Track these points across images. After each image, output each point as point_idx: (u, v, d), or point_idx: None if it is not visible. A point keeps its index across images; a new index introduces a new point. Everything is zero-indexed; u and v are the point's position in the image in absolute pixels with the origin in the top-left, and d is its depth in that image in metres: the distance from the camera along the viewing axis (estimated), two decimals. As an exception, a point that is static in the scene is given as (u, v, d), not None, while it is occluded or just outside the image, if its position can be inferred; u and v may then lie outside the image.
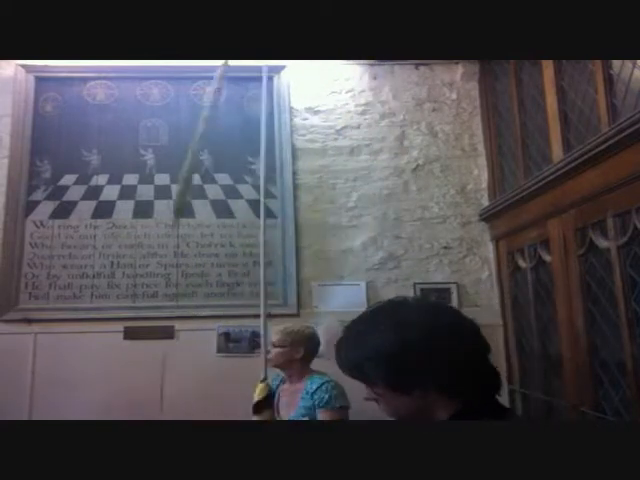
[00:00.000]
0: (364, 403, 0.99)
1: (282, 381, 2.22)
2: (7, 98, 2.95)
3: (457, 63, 3.17)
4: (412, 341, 0.88)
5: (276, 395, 2.19)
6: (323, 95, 3.11)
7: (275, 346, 2.14)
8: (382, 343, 0.90)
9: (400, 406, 0.91)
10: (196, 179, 2.97)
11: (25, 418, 2.61)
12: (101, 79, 3.06)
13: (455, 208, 3.01)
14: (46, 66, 2.97)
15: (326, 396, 2.00)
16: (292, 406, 2.06)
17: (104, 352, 2.72)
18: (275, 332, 2.19)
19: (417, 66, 3.17)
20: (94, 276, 2.83)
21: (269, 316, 2.75)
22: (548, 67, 2.36)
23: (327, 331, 2.67)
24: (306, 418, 2.00)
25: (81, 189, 2.92)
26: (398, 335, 0.89)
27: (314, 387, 2.03)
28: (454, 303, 2.81)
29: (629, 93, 1.86)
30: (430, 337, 0.89)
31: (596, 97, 2.02)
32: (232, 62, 2.72)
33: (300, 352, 2.12)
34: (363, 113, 3.10)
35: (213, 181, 2.97)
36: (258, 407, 2.15)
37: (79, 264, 2.83)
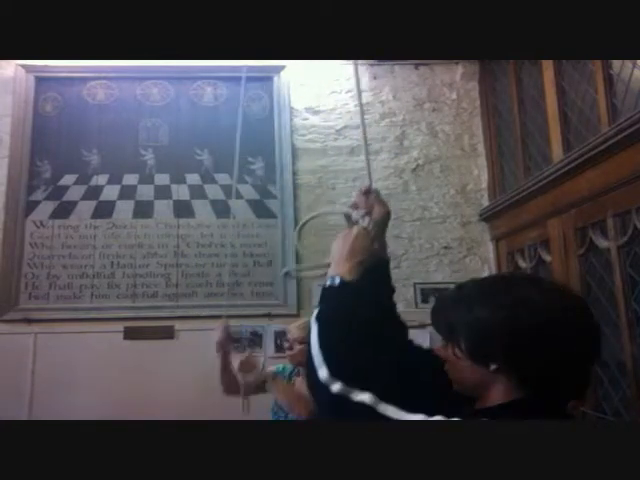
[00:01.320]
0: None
1: (294, 373, 2.20)
2: (7, 98, 2.96)
3: (457, 63, 3.17)
4: (521, 323, 0.84)
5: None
6: (323, 95, 3.11)
7: (299, 343, 2.11)
8: (490, 315, 0.86)
9: (469, 374, 0.89)
10: (196, 179, 2.98)
11: (25, 418, 2.61)
12: (101, 79, 3.06)
13: (455, 208, 3.01)
14: (46, 66, 2.97)
15: None
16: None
17: (104, 352, 2.72)
18: (294, 329, 2.17)
19: (417, 66, 3.17)
20: (94, 276, 2.83)
21: (269, 316, 2.76)
22: (548, 67, 2.36)
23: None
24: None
25: (81, 189, 2.92)
26: (510, 312, 0.85)
27: None
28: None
29: (629, 93, 1.86)
30: (542, 326, 0.84)
31: (596, 97, 2.02)
32: (232, 62, 2.72)
33: None
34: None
35: (213, 181, 2.98)
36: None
37: (79, 264, 2.83)
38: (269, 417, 2.14)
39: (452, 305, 0.94)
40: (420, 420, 0.83)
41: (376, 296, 1.09)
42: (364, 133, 1.68)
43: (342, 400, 0.87)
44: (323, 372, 0.89)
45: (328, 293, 1.06)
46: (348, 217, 1.28)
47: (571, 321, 0.87)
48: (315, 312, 1.01)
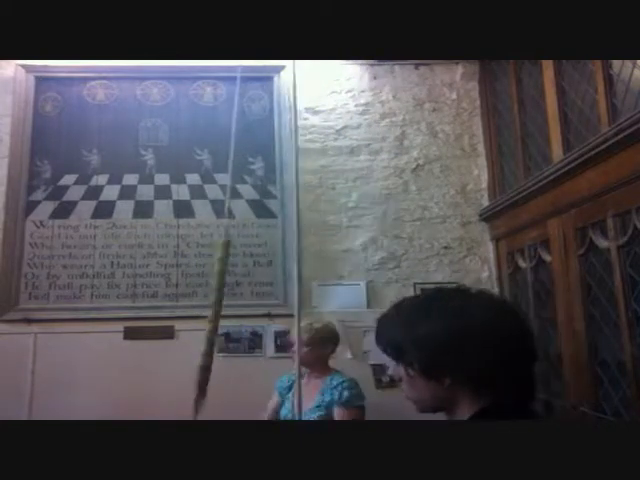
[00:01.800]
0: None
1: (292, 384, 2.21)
2: (7, 98, 2.95)
3: (457, 63, 3.17)
4: (461, 332, 0.87)
5: (291, 391, 2.17)
6: (323, 95, 3.11)
7: (306, 345, 2.10)
8: (431, 330, 0.88)
9: (426, 391, 0.91)
10: (196, 179, 2.98)
11: (25, 418, 2.61)
12: (101, 79, 3.06)
13: (455, 208, 3.01)
14: (46, 66, 2.97)
15: (346, 393, 2.04)
16: (309, 400, 2.05)
17: (104, 352, 2.72)
18: (302, 331, 2.16)
19: (417, 66, 3.17)
20: (94, 276, 2.83)
21: (269, 316, 2.76)
22: (548, 67, 2.36)
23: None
24: (322, 412, 2.01)
25: (81, 189, 2.92)
26: (449, 324, 0.88)
27: (334, 383, 2.08)
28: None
29: (629, 93, 1.86)
30: (481, 332, 0.87)
31: (596, 97, 2.02)
32: (232, 62, 2.71)
33: (329, 348, 2.15)
34: (363, 113, 3.10)
35: (213, 181, 2.97)
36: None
37: (79, 264, 2.83)
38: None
39: (394, 326, 0.96)
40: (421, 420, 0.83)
41: None
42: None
43: None
44: None
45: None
46: None
47: (506, 324, 0.91)
48: None
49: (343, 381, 2.09)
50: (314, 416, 2.04)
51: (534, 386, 0.92)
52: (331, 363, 2.25)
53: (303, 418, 1.98)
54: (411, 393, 0.93)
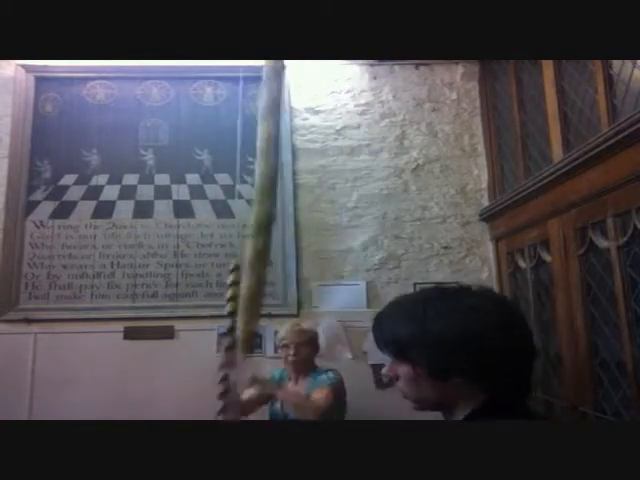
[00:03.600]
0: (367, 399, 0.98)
1: (282, 378, 2.22)
2: (7, 98, 2.95)
3: (457, 63, 3.17)
4: (469, 328, 0.86)
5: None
6: (323, 95, 3.11)
7: (295, 348, 2.12)
8: (436, 325, 0.87)
9: (427, 390, 0.89)
10: (196, 179, 2.98)
11: (25, 418, 2.61)
12: (101, 79, 3.06)
13: (455, 208, 3.01)
14: (46, 66, 2.97)
15: (325, 377, 2.08)
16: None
17: (104, 352, 2.72)
18: (287, 331, 2.17)
19: (417, 66, 3.17)
20: (94, 276, 2.83)
21: (269, 316, 2.76)
22: (548, 67, 2.36)
23: (327, 331, 2.68)
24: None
25: (81, 189, 2.92)
26: (455, 320, 0.86)
27: (316, 376, 2.11)
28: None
29: (629, 93, 1.86)
30: (488, 327, 0.86)
31: (596, 97, 2.02)
32: (232, 62, 2.72)
33: (317, 349, 2.17)
34: (363, 113, 3.10)
35: (213, 181, 2.98)
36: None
37: (79, 264, 2.83)
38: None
39: (396, 323, 0.93)
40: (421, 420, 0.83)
41: None
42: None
43: None
44: None
45: None
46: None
47: (511, 320, 0.91)
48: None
49: (326, 371, 2.14)
50: None
51: (531, 382, 0.92)
52: (332, 365, 2.27)
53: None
54: (411, 392, 0.91)
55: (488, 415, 0.85)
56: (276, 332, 2.44)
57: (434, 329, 0.87)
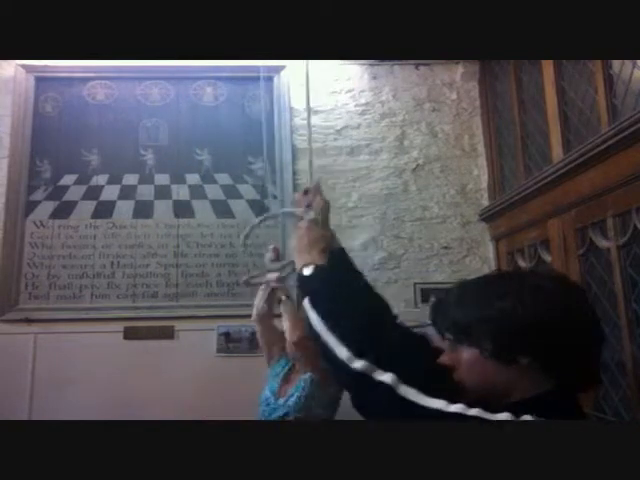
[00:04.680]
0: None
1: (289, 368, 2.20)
2: (7, 98, 2.95)
3: (457, 63, 3.17)
4: (536, 307, 0.82)
5: (278, 376, 2.14)
6: (323, 95, 3.11)
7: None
8: (502, 304, 0.84)
9: (490, 374, 0.85)
10: (196, 179, 2.98)
11: (25, 418, 2.61)
12: (101, 79, 3.06)
13: (455, 208, 3.01)
14: (46, 66, 2.97)
15: None
16: (291, 384, 2.03)
17: (104, 352, 2.72)
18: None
19: (417, 66, 3.17)
20: (94, 276, 2.83)
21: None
22: (548, 67, 2.36)
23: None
24: (302, 392, 1.98)
25: (81, 189, 2.92)
26: (522, 299, 0.83)
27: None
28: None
29: (629, 93, 1.86)
30: (556, 308, 0.83)
31: (596, 97, 2.02)
32: (232, 62, 2.72)
33: None
34: (363, 113, 3.10)
35: (213, 181, 2.98)
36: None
37: (79, 264, 2.83)
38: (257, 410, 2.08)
39: (460, 307, 0.91)
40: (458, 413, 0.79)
41: (353, 272, 1.10)
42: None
43: (363, 378, 0.85)
44: (342, 351, 0.88)
45: (308, 280, 1.05)
46: (292, 215, 1.34)
47: (581, 305, 0.87)
48: (306, 301, 0.99)
49: None
50: (293, 398, 2.01)
51: (599, 373, 0.89)
52: None
53: (286, 401, 1.95)
54: (473, 378, 0.87)
55: (548, 402, 0.82)
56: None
57: (500, 307, 0.84)
